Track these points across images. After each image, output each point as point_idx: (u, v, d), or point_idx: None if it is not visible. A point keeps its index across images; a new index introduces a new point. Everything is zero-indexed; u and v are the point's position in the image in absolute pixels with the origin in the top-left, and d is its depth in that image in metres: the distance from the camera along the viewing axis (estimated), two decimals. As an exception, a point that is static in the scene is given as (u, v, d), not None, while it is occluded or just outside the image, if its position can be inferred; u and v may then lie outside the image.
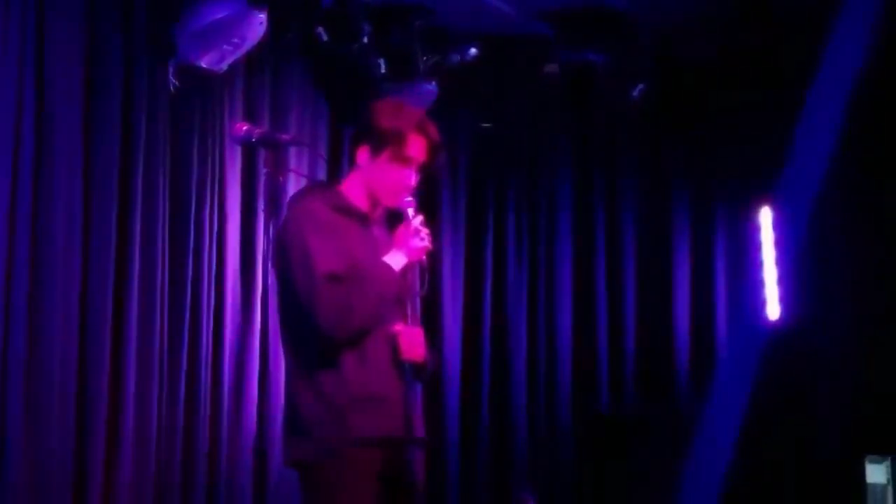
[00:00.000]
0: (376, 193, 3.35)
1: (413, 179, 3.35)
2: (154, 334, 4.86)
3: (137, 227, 4.84)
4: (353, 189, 3.37)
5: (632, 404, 6.52)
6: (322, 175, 5.62)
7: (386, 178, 3.32)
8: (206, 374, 5.08)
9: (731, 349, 6.49)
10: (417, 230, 3.31)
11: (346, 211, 3.33)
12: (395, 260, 3.27)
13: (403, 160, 3.31)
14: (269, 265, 3.36)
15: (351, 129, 3.53)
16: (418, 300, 3.52)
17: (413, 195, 3.37)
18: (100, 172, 4.73)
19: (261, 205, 5.25)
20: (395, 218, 3.43)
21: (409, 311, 3.36)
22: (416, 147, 3.32)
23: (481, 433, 6.35)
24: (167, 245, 4.98)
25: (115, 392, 4.72)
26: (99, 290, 4.69)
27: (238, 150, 5.27)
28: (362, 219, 3.36)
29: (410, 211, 3.34)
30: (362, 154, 3.34)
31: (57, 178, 4.57)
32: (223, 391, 5.15)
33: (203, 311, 5.08)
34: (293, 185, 5.37)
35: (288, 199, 3.42)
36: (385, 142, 3.31)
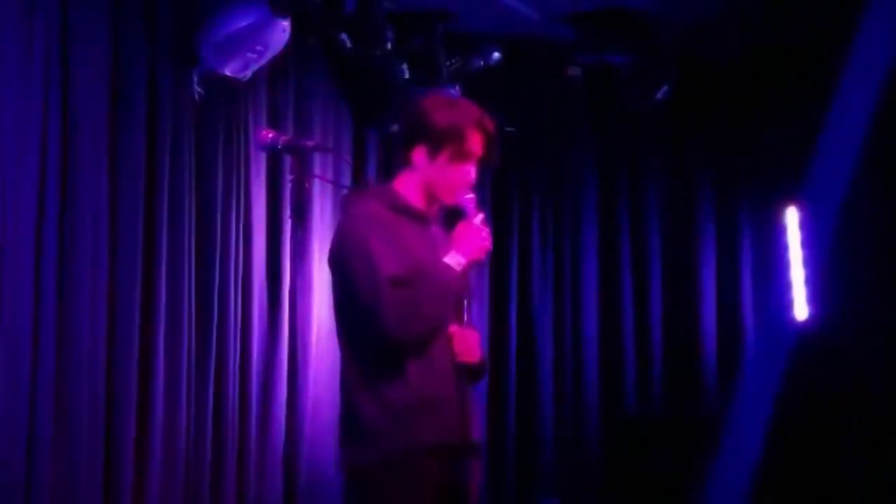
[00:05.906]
0: (436, 192, 3.29)
1: (473, 175, 3.28)
2: (182, 342, 4.87)
3: (164, 236, 4.85)
4: (409, 188, 3.30)
5: (658, 405, 6.50)
6: (346, 181, 5.63)
7: (446, 176, 3.25)
8: (233, 382, 5.08)
9: (757, 350, 6.45)
10: (479, 229, 3.24)
11: (404, 210, 3.28)
12: (456, 260, 3.20)
13: (464, 157, 3.24)
14: (329, 266, 3.27)
15: (401, 128, 3.46)
16: (472, 302, 3.44)
17: (473, 191, 3.30)
18: (125, 181, 4.74)
19: (287, 211, 5.26)
20: (451, 216, 3.37)
21: (464, 313, 3.28)
22: (476, 143, 3.26)
23: (507, 434, 6.33)
24: (193, 253, 4.98)
25: (144, 400, 4.72)
26: (126, 298, 4.69)
27: (263, 157, 5.26)
28: (420, 218, 3.30)
29: (471, 208, 3.28)
30: (419, 154, 3.26)
31: (82, 187, 4.58)
32: (251, 398, 5.15)
33: (230, 318, 5.08)
34: (318, 191, 5.46)
35: (342, 200, 3.36)
36: (444, 140, 3.23)
